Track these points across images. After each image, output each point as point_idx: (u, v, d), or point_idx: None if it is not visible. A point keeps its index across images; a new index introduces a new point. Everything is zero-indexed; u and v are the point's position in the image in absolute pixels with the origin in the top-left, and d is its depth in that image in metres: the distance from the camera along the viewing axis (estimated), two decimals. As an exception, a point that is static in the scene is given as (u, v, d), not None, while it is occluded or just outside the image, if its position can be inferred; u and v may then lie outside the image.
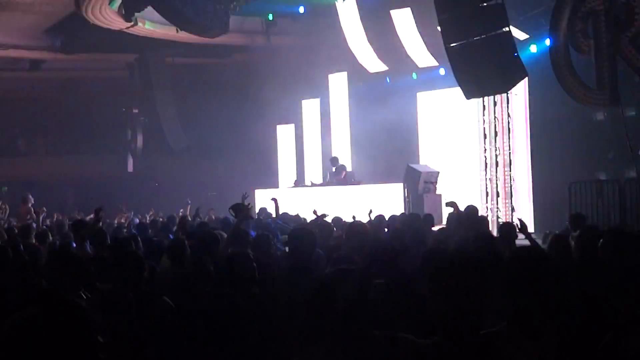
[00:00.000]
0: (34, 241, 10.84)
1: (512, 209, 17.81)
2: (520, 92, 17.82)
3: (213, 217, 16.72)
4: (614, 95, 13.37)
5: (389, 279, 5.49)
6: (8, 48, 24.10)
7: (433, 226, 12.06)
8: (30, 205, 18.20)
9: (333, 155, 22.38)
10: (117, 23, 20.60)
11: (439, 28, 13.30)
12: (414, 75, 21.02)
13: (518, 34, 16.31)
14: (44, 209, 17.26)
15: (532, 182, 17.84)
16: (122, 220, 19.05)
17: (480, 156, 19.12)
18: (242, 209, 8.90)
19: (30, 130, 30.40)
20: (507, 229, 9.36)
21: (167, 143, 26.84)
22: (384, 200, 18.24)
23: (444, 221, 13.19)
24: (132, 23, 20.53)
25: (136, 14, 20.18)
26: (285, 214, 14.87)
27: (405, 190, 17.89)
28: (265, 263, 6.78)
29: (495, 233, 11.73)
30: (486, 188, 18.68)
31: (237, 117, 25.09)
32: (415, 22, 19.88)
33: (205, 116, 26.73)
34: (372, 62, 21.66)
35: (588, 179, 15.13)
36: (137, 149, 30.11)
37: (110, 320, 5.31)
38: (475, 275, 3.97)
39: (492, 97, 17.93)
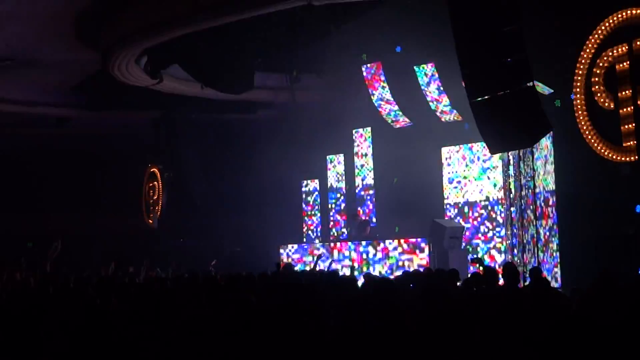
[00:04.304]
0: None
1: (539, 264, 17.64)
2: (545, 146, 17.78)
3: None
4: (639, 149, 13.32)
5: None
6: (35, 105, 24.35)
7: (458, 282, 12.01)
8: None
9: (357, 210, 22.39)
10: (143, 80, 20.79)
11: (462, 83, 13.31)
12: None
13: (543, 89, 16.32)
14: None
15: (559, 237, 17.68)
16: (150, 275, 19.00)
17: (505, 211, 19.02)
18: None
19: (55, 187, 30.53)
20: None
21: (191, 199, 26.88)
22: (409, 256, 18.20)
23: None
24: (157, 80, 20.71)
25: (162, 71, 20.37)
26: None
27: (431, 245, 17.82)
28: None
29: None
30: (512, 243, 18.54)
31: (261, 172, 25.13)
32: (439, 78, 19.94)
33: (230, 172, 26.80)
34: (396, 117, 21.70)
35: (615, 233, 14.99)
36: (161, 205, 30.16)
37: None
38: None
39: (516, 151, 17.90)
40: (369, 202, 23.13)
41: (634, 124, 13.57)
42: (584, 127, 14.80)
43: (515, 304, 7.62)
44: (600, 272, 9.68)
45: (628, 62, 13.72)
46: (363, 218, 22.12)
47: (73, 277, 13.81)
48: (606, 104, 14.33)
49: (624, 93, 13.75)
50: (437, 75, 19.79)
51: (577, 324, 6.09)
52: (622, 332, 5.74)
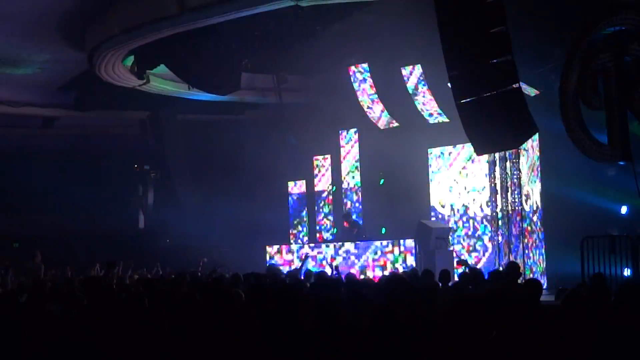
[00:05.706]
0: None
1: (525, 265, 17.69)
2: (531, 147, 17.83)
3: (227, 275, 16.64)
4: (626, 151, 13.36)
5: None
6: (21, 105, 24.25)
7: (449, 282, 12.10)
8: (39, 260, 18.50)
9: (345, 211, 22.41)
10: (130, 81, 20.74)
11: (449, 84, 13.33)
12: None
13: (529, 90, 16.36)
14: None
15: (545, 237, 17.73)
16: (135, 277, 18.96)
17: (491, 212, 19.07)
18: None
19: (41, 187, 30.44)
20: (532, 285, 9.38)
21: (178, 199, 26.85)
22: (396, 257, 18.23)
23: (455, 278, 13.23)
24: (144, 80, 20.66)
25: (148, 72, 20.33)
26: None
27: (417, 246, 17.84)
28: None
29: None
30: (498, 244, 18.60)
31: (248, 173, 25.11)
32: (426, 79, 19.97)
33: (217, 172, 26.76)
34: (382, 118, 21.72)
35: (600, 234, 15.00)
36: (148, 205, 30.10)
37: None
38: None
39: (502, 152, 17.93)
40: (355, 203, 23.15)
41: (620, 126, 13.61)
42: (571, 129, 14.82)
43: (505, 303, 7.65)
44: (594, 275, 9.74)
45: (612, 63, 13.76)
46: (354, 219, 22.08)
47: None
48: (593, 105, 14.35)
49: (611, 93, 13.80)
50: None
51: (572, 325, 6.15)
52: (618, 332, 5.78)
